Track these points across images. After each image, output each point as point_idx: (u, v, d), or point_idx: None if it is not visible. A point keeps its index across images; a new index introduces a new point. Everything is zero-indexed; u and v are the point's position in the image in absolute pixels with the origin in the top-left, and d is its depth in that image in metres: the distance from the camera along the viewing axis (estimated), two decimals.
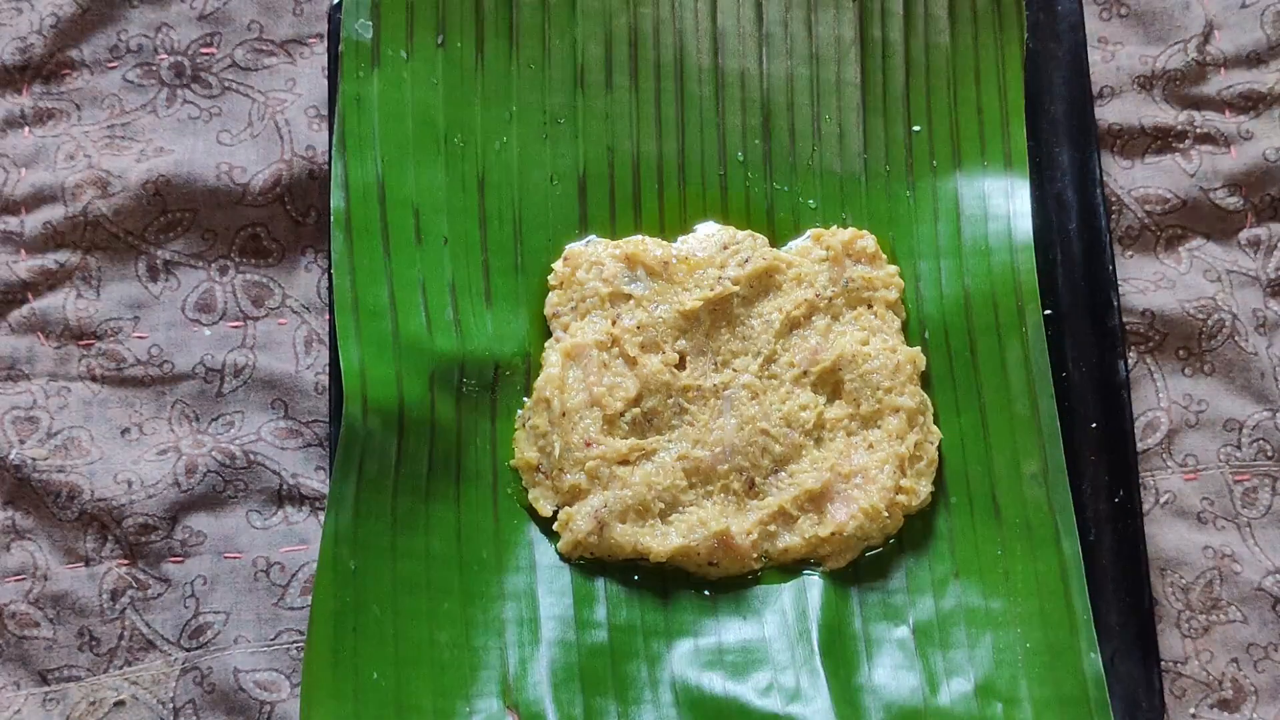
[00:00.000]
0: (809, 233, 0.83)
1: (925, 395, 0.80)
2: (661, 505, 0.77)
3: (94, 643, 0.77)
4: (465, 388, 0.79)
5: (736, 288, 0.80)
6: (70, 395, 0.81)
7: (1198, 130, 0.85)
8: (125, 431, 0.80)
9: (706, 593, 0.78)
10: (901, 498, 0.77)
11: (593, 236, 0.83)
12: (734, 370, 0.80)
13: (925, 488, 0.78)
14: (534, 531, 0.78)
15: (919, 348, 0.81)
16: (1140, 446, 0.81)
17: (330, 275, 0.78)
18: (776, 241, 0.83)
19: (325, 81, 0.85)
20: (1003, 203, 0.81)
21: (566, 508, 0.77)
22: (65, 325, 0.81)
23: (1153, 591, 0.78)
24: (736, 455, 0.78)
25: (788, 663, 0.75)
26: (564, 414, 0.78)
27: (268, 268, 0.83)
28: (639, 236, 0.82)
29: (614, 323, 0.80)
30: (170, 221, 0.83)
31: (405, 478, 0.76)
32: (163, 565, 0.78)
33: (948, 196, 0.83)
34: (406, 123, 0.81)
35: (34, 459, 0.79)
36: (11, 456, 0.78)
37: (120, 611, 0.77)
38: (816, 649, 0.75)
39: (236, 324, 0.82)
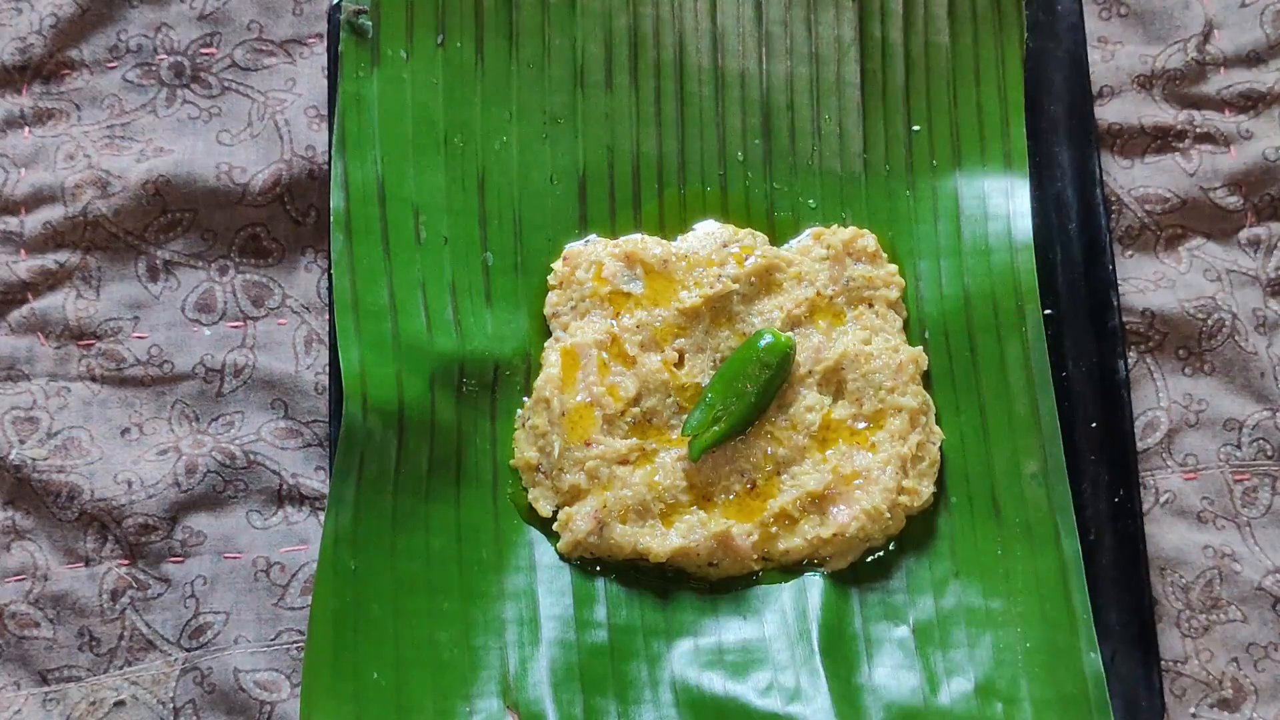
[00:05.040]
0: (809, 231, 0.83)
1: (927, 395, 0.80)
2: (661, 506, 0.77)
3: (94, 643, 0.77)
4: (465, 388, 0.79)
5: (736, 285, 0.80)
6: (70, 395, 0.81)
7: (1197, 130, 0.85)
8: (125, 431, 0.80)
9: (706, 592, 0.77)
10: (904, 498, 0.77)
11: (592, 236, 0.83)
12: None
13: (927, 488, 0.78)
14: (534, 531, 0.78)
15: (920, 347, 0.81)
16: (1140, 446, 0.81)
17: (330, 275, 0.78)
18: (777, 241, 0.83)
19: (325, 81, 0.85)
20: (1002, 202, 0.81)
21: (566, 508, 0.77)
22: (65, 325, 0.81)
23: (1153, 591, 0.78)
24: (737, 456, 0.78)
25: (788, 662, 0.75)
26: (564, 414, 0.78)
27: (268, 268, 0.83)
28: (638, 235, 0.82)
29: (616, 317, 0.80)
30: (170, 221, 0.83)
31: (405, 478, 0.76)
32: (163, 565, 0.78)
33: (947, 196, 0.83)
34: (406, 122, 0.81)
35: (34, 459, 0.78)
36: (11, 456, 0.78)
37: (120, 611, 0.77)
38: (816, 649, 0.75)
39: (236, 324, 0.82)
